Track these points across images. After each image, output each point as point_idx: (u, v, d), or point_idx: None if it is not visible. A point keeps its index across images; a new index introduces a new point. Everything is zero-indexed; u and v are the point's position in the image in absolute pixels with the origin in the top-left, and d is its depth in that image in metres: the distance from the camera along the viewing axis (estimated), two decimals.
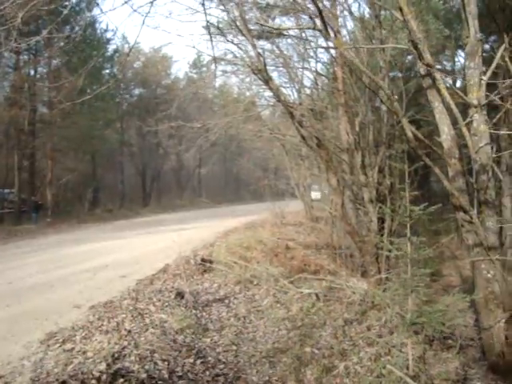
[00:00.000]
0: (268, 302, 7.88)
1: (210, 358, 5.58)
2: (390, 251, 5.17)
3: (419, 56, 6.56)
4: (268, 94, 15.28)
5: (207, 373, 5.12)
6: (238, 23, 8.29)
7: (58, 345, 5.82)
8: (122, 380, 4.44)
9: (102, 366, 4.76)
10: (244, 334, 6.53)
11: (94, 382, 4.39)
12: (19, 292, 8.67)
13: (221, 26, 10.10)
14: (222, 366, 5.38)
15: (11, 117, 22.45)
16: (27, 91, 22.42)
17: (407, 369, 4.74)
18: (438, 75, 6.47)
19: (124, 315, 6.86)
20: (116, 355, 5.17)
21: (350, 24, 15.83)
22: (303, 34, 12.01)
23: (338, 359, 5.38)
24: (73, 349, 5.65)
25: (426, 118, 12.21)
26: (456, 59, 18.70)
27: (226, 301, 8.10)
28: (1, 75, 21.62)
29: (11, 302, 7.93)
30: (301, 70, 14.32)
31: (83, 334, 6.11)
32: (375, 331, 6.15)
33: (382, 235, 9.02)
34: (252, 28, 9.37)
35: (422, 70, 6.93)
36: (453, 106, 6.32)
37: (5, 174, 25.73)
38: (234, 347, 6.02)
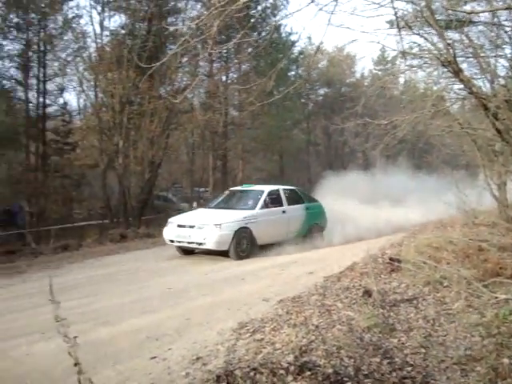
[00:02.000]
0: (459, 305, 7.42)
1: (396, 359, 5.42)
2: None
3: None
4: (457, 86, 14.44)
5: (394, 374, 4.96)
6: (424, 14, 7.95)
7: (249, 334, 6.11)
8: (308, 373, 4.50)
9: (290, 358, 4.87)
10: (433, 338, 6.22)
11: (282, 371, 4.51)
12: (213, 283, 9.29)
13: (406, 18, 9.78)
14: (409, 369, 5.18)
15: (206, 121, 24.13)
16: (220, 96, 23.92)
17: None
18: None
19: (311, 310, 6.96)
20: (303, 348, 5.26)
21: None
22: (495, 19, 11.16)
23: None
24: (262, 339, 5.88)
25: None
26: None
27: (414, 301, 7.81)
28: (198, 83, 23.33)
29: (207, 292, 8.52)
30: (493, 58, 13.35)
31: (272, 326, 6.33)
32: None
33: None
34: (439, 18, 8.93)
35: None
36: None
37: (201, 174, 27.77)
38: (423, 350, 5.76)
